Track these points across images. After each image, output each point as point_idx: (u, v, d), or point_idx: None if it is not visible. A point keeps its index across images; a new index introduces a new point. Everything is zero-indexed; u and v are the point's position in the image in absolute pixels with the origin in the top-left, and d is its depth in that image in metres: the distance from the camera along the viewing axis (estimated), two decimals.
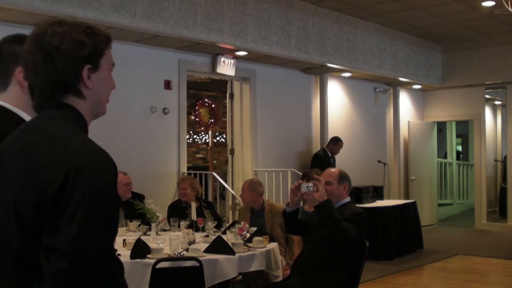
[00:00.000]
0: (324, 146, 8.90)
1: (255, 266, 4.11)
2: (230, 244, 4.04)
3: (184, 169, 7.38)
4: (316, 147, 9.18)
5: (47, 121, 1.41)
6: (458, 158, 14.86)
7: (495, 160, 11.78)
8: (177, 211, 5.49)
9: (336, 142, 8.81)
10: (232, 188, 7.93)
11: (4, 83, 1.76)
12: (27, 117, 1.70)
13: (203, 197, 6.37)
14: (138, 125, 6.94)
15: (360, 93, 10.26)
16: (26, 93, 1.72)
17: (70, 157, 1.30)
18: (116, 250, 3.83)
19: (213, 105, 11.91)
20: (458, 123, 13.68)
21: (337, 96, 9.80)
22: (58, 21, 1.42)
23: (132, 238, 4.23)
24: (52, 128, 1.38)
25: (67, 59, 1.38)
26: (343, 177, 4.07)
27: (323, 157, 8.58)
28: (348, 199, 4.06)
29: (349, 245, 3.75)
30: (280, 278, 4.31)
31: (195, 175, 7.13)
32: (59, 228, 1.25)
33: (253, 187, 5.42)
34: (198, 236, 4.60)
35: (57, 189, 1.27)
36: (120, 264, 1.38)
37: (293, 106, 8.93)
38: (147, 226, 4.90)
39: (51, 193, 1.27)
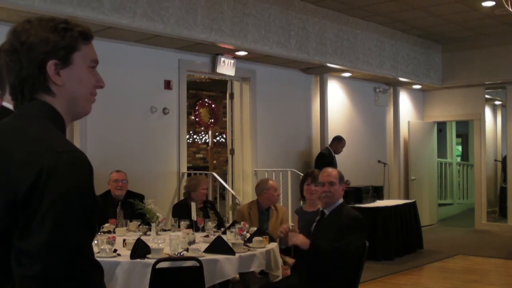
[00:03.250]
0: (328, 145, 8.88)
1: (255, 266, 4.11)
2: (230, 244, 4.04)
3: (184, 169, 7.38)
4: (316, 147, 9.17)
5: (21, 118, 1.37)
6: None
7: (495, 160, 11.77)
8: (184, 211, 5.47)
9: (339, 140, 8.80)
10: (232, 188, 7.93)
11: (4, 87, 1.79)
12: None
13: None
14: (138, 125, 6.94)
15: (360, 93, 10.26)
16: None
17: (43, 156, 1.24)
18: (116, 250, 3.86)
19: (213, 105, 11.93)
20: (458, 123, 13.68)
21: (337, 96, 9.80)
22: (31, 18, 1.39)
23: (132, 238, 4.23)
24: (26, 126, 1.33)
25: (29, 54, 1.34)
26: (342, 177, 4.15)
27: (327, 156, 8.54)
28: (342, 199, 4.12)
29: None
30: (280, 278, 4.31)
31: (195, 175, 7.12)
32: (30, 230, 1.20)
33: (275, 187, 5.59)
34: (198, 236, 4.60)
35: (28, 189, 1.21)
36: (98, 267, 1.32)
37: (293, 106, 8.93)
38: (147, 226, 4.90)
39: (22, 193, 1.22)
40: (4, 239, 1.25)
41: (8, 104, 1.79)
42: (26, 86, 1.36)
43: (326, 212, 4.09)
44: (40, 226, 1.20)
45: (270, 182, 5.67)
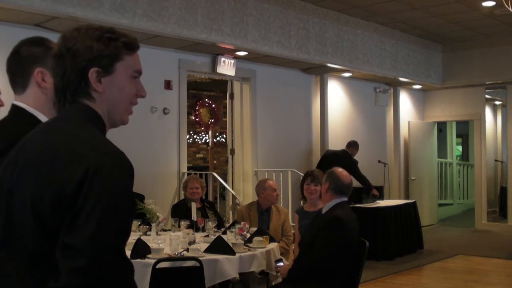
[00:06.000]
0: (345, 148, 8.63)
1: (255, 266, 4.12)
2: (230, 244, 4.04)
3: (184, 169, 7.38)
4: (317, 147, 9.17)
5: (65, 120, 1.44)
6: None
7: (495, 160, 11.77)
8: (182, 211, 5.48)
9: (356, 146, 8.64)
10: (232, 188, 7.93)
11: (23, 84, 1.82)
12: (44, 118, 1.75)
13: (203, 197, 6.37)
14: (138, 125, 6.93)
15: (360, 93, 10.26)
16: (44, 93, 1.78)
17: (89, 156, 1.32)
18: None
19: (213, 105, 11.91)
20: (458, 123, 13.68)
21: (337, 96, 9.80)
22: (80, 26, 1.47)
23: (132, 238, 4.21)
24: (71, 128, 1.41)
25: (72, 60, 1.42)
26: None
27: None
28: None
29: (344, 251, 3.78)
30: (280, 280, 4.30)
31: (195, 174, 7.12)
32: (76, 226, 1.28)
33: (274, 187, 5.58)
34: (198, 236, 4.60)
35: (75, 188, 1.29)
36: (131, 265, 1.41)
37: (293, 106, 8.93)
38: (147, 226, 4.90)
39: (69, 191, 1.29)
40: (50, 235, 1.33)
41: (19, 103, 1.82)
42: (68, 90, 1.44)
43: (323, 211, 4.01)
44: (85, 222, 1.28)
45: (268, 182, 5.64)
